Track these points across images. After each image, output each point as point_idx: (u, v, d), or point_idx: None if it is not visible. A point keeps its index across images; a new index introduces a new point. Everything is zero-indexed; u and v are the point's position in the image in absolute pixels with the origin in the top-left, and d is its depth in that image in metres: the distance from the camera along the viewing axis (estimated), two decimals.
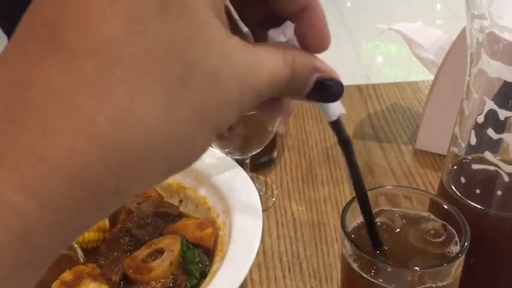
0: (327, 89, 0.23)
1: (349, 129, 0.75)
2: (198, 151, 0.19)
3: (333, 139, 0.73)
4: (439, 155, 0.68)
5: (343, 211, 0.35)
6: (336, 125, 0.26)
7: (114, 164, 0.16)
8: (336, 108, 0.25)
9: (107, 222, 0.53)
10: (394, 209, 0.39)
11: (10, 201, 0.15)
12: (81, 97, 0.15)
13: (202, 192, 0.56)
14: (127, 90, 0.16)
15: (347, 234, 0.34)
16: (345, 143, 0.27)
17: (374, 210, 0.39)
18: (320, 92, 0.23)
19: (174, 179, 0.58)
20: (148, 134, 0.17)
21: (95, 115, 0.16)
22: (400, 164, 0.67)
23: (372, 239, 0.32)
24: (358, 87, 0.83)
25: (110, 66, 0.16)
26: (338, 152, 0.70)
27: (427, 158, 0.68)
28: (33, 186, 0.15)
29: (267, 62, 0.20)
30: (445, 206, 0.37)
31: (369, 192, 0.38)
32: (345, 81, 0.24)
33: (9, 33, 0.95)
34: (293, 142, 0.73)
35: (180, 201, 0.58)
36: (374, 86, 0.84)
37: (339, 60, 1.77)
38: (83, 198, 0.16)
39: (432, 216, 0.37)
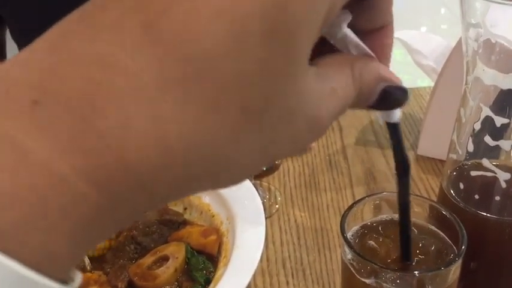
0: (393, 98, 0.22)
1: (352, 136, 0.76)
2: (245, 177, 0.19)
3: (335, 146, 0.74)
4: (440, 160, 0.68)
5: (342, 217, 0.36)
6: (395, 129, 0.25)
7: (167, 176, 0.16)
8: (397, 112, 0.24)
9: None
10: (394, 215, 0.40)
11: (78, 190, 0.14)
12: (163, 103, 0.15)
13: (206, 199, 0.57)
14: (203, 109, 0.16)
15: (346, 240, 0.34)
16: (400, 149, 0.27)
17: (375, 217, 0.40)
18: (385, 102, 0.22)
19: None
20: (211, 155, 0.16)
21: (170, 124, 0.15)
22: None
23: (404, 250, 0.33)
24: None
25: (197, 77, 0.15)
26: (340, 158, 0.71)
27: (429, 164, 0.69)
28: (99, 177, 0.15)
29: (337, 85, 0.19)
30: (443, 212, 0.37)
31: (369, 198, 0.39)
32: None
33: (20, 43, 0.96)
34: None
35: (185, 209, 0.58)
36: None
37: None
38: (139, 200, 0.16)
39: (430, 222, 0.38)
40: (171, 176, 0.16)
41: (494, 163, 0.40)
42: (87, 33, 0.15)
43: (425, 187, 0.65)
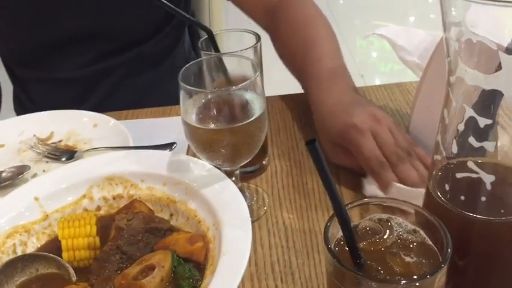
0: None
1: None
2: None
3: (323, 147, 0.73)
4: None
5: (325, 228, 0.35)
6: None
7: None
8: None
9: (97, 240, 0.53)
10: (381, 217, 0.39)
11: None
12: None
13: (192, 205, 0.56)
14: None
15: (330, 251, 0.34)
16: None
17: (359, 222, 0.39)
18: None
19: (164, 193, 0.58)
20: None
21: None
22: None
23: (352, 254, 0.33)
24: None
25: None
26: (328, 159, 0.71)
27: None
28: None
29: None
30: (427, 216, 0.37)
31: (351, 205, 0.38)
32: None
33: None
34: (283, 149, 0.73)
35: (171, 215, 0.58)
36: (363, 89, 0.84)
37: None
38: None
39: (419, 227, 0.38)
40: None
41: (479, 164, 0.40)
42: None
43: None
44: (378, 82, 2.53)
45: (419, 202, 0.43)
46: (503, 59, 0.35)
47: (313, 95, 0.70)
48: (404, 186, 0.57)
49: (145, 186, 0.59)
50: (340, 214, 0.34)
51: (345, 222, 0.33)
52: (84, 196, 0.59)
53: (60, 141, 0.77)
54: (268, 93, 0.77)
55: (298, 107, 0.82)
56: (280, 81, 0.80)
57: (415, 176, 0.58)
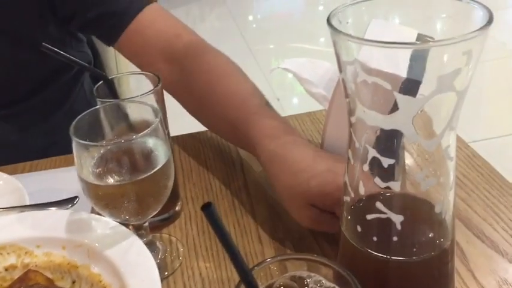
0: None
1: (253, 169, 0.73)
2: None
3: (237, 182, 0.71)
4: None
5: None
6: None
7: None
8: None
9: None
10: (301, 275, 0.37)
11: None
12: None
13: (96, 269, 0.51)
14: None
15: None
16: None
17: (276, 280, 0.37)
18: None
19: (64, 258, 0.52)
20: None
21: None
22: None
23: None
24: None
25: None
26: (244, 196, 0.68)
27: None
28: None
29: None
30: (338, 269, 0.35)
31: (258, 268, 0.36)
32: None
33: None
34: (197, 191, 0.70)
35: (73, 282, 0.52)
36: None
37: None
38: None
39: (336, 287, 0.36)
40: None
41: (387, 205, 0.39)
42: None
43: None
44: (295, 103, 2.57)
45: None
46: (399, 99, 0.35)
47: (273, 161, 0.60)
48: None
49: (41, 252, 0.53)
50: (246, 280, 0.31)
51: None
52: None
53: None
54: (175, 132, 0.74)
55: (208, 144, 0.79)
56: (187, 119, 0.77)
57: None
